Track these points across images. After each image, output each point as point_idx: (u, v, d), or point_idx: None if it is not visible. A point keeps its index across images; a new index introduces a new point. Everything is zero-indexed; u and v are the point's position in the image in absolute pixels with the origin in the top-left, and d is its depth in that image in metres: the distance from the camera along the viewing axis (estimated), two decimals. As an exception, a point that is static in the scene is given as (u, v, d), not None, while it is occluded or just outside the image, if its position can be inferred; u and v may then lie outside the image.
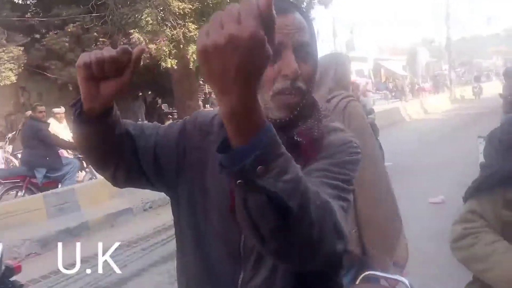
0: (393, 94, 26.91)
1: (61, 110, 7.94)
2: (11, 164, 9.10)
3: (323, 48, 35.85)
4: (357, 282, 1.83)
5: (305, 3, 14.77)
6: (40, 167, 6.36)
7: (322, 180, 0.86)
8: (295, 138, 0.93)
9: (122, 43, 11.57)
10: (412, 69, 40.92)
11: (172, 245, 3.82)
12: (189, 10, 11.15)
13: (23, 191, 6.34)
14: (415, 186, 6.54)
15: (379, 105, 24.06)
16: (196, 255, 1.05)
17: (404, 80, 32.50)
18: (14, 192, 6.46)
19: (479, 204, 1.51)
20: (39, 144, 6.39)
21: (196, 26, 11.47)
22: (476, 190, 1.54)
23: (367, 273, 1.82)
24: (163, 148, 1.05)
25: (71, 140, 7.68)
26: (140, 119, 15.72)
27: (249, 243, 0.96)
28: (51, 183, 6.50)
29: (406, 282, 1.65)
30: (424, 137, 12.18)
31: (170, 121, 16.42)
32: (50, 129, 7.28)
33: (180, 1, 11.02)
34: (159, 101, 18.47)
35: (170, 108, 18.17)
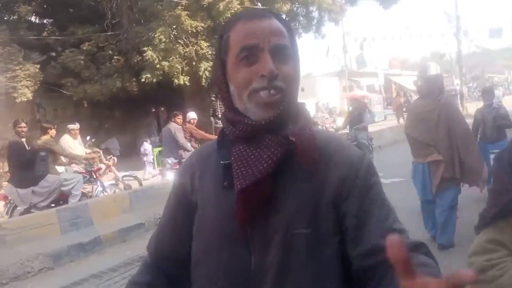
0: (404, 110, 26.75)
1: (75, 126, 8.07)
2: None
3: (334, 64, 35.99)
4: None
5: (315, 20, 14.91)
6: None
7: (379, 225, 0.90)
8: (290, 138, 0.91)
9: (136, 60, 11.80)
10: (423, 84, 40.68)
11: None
12: (201, 28, 11.33)
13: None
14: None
15: (391, 120, 24.00)
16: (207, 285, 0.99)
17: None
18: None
19: (499, 233, 1.39)
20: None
21: (208, 44, 11.64)
22: (494, 218, 1.42)
23: None
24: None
25: (85, 155, 7.84)
26: (152, 135, 15.87)
27: (263, 265, 0.92)
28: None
29: None
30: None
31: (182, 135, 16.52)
32: (64, 144, 7.43)
33: (192, 20, 11.22)
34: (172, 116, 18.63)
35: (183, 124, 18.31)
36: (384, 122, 23.94)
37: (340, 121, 22.97)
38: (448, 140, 4.21)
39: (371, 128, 11.78)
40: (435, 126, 4.25)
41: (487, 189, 1.66)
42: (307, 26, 14.98)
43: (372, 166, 0.99)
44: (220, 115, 16.49)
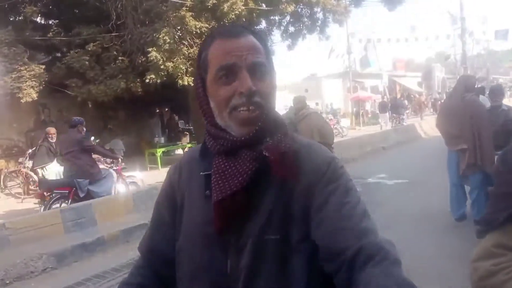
0: (407, 112, 26.71)
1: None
2: (31, 179, 9.28)
3: (338, 66, 35.92)
4: None
5: (319, 21, 14.89)
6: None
7: (345, 224, 0.90)
8: (264, 153, 0.95)
9: (140, 61, 11.83)
10: (427, 85, 40.60)
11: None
12: (206, 29, 11.33)
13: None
14: (433, 202, 6.48)
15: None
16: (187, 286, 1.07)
17: (420, 96, 32.33)
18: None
19: (506, 236, 1.37)
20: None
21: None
22: (504, 222, 1.38)
23: None
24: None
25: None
26: (156, 135, 15.91)
27: (236, 267, 0.97)
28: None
29: None
30: (441, 153, 12.02)
31: (187, 137, 16.60)
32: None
33: (197, 21, 11.23)
34: (176, 118, 18.67)
35: (187, 125, 18.36)
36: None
37: (344, 122, 22.98)
38: (470, 132, 4.92)
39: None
40: (460, 120, 4.99)
41: (489, 192, 1.63)
42: (311, 27, 14.95)
43: (338, 170, 1.01)
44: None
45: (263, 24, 14.55)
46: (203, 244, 1.01)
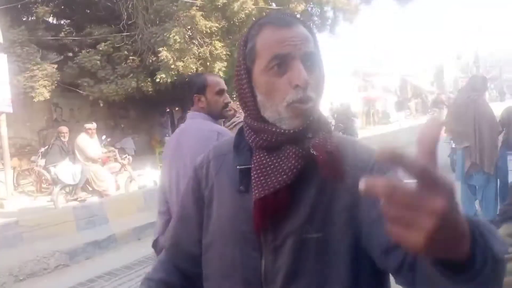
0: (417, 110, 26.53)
1: (92, 125, 8.17)
2: (43, 178, 9.39)
3: (347, 64, 35.80)
4: None
5: (330, 20, 14.85)
6: None
7: None
8: (311, 151, 0.92)
9: (151, 60, 11.91)
10: (439, 85, 40.27)
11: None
12: (216, 29, 11.39)
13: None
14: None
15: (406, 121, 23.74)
16: (217, 284, 1.03)
17: (431, 96, 32.07)
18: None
19: None
20: None
21: (222, 44, 11.68)
22: None
23: None
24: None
25: (101, 154, 8.01)
26: (167, 134, 15.98)
27: (272, 267, 0.94)
28: None
29: None
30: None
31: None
32: (81, 143, 7.56)
33: (207, 20, 11.28)
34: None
35: (197, 124, 18.45)
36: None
37: (357, 122, 22.78)
38: (473, 131, 4.95)
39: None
40: (465, 119, 5.06)
41: (510, 185, 1.65)
42: (322, 26, 14.93)
43: (383, 165, 0.94)
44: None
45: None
46: (235, 242, 0.98)
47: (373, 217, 0.85)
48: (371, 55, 32.13)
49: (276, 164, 0.92)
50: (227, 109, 5.15)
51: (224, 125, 5.28)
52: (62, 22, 14.55)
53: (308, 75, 0.90)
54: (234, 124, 5.50)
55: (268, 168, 0.93)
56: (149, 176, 8.66)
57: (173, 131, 17.44)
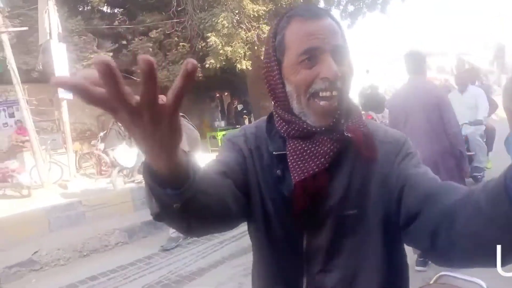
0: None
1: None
2: (103, 161, 9.92)
3: (401, 45, 34.39)
4: (431, 282, 1.79)
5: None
6: None
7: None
8: (345, 134, 0.95)
9: (200, 46, 12.10)
10: (500, 65, 37.84)
11: (244, 241, 4.07)
12: (263, 12, 11.33)
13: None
14: None
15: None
16: (264, 263, 1.09)
17: (491, 76, 30.26)
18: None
19: None
20: None
21: (269, 27, 11.61)
22: None
23: (442, 274, 1.79)
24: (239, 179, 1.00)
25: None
26: (217, 119, 16.27)
27: (313, 245, 0.99)
28: None
29: (484, 285, 1.55)
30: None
31: (246, 121, 16.83)
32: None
33: (254, 4, 11.24)
34: (235, 101, 18.96)
35: (245, 110, 18.61)
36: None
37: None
38: None
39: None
40: None
41: None
42: (372, 5, 14.44)
43: (411, 143, 1.03)
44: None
45: (321, 4, 14.26)
46: (279, 223, 1.02)
47: (409, 177, 0.92)
48: (425, 35, 30.63)
49: (312, 149, 0.95)
50: None
51: None
52: (115, 10, 15.01)
53: (338, 68, 0.91)
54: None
55: (304, 153, 0.95)
56: (201, 159, 8.89)
57: (222, 115, 17.79)
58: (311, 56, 0.92)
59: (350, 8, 14.75)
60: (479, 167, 5.37)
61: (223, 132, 14.11)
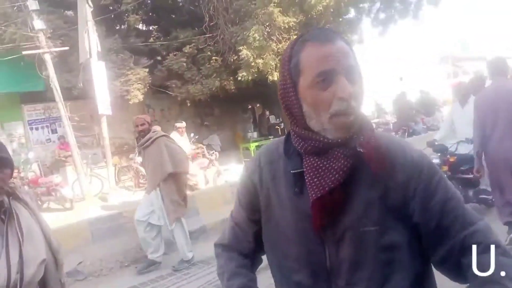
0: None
1: (182, 124, 8.73)
2: (140, 174, 10.21)
3: (435, 50, 33.66)
4: None
5: (412, 5, 14.15)
6: None
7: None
8: (358, 149, 1.00)
9: (232, 60, 12.32)
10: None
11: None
12: (294, 24, 11.42)
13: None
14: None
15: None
16: (286, 282, 1.14)
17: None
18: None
19: None
20: None
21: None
22: None
23: None
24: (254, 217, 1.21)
25: (191, 151, 8.49)
26: (249, 130, 16.41)
27: (336, 258, 1.03)
28: None
29: None
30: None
31: (279, 131, 16.90)
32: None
33: (284, 16, 11.36)
34: (267, 112, 19.08)
35: (277, 119, 18.69)
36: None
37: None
38: None
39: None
40: None
41: None
42: (404, 12, 14.29)
43: (433, 165, 1.07)
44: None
45: (352, 13, 14.25)
46: (299, 240, 1.06)
47: (436, 215, 1.00)
48: (459, 39, 29.92)
49: (327, 165, 1.00)
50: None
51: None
52: (150, 28, 15.52)
53: (351, 87, 0.98)
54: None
55: (320, 170, 1.00)
56: (235, 170, 9.03)
57: (255, 127, 17.94)
58: (325, 78, 0.97)
59: (381, 15, 14.67)
60: (487, 190, 5.00)
61: (256, 143, 14.24)
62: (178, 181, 5.12)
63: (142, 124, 5.10)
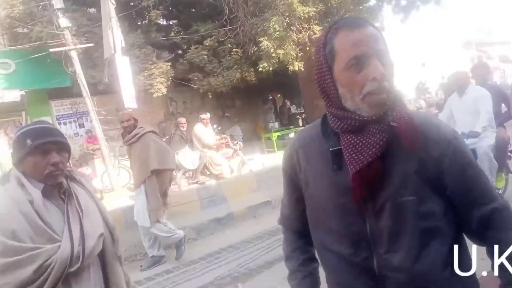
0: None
1: (206, 115, 8.92)
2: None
3: (458, 35, 32.87)
4: None
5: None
6: None
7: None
8: (392, 123, 1.07)
9: (252, 51, 12.42)
10: None
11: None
12: (314, 13, 11.41)
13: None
14: None
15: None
16: (328, 254, 1.23)
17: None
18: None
19: None
20: None
21: (320, 28, 11.71)
22: None
23: None
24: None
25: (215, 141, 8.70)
26: (271, 120, 16.51)
27: (376, 228, 1.11)
28: None
29: None
30: None
31: (300, 121, 16.93)
32: (197, 132, 8.29)
33: (304, 6, 11.36)
34: (288, 103, 19.13)
35: (298, 109, 18.73)
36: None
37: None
38: None
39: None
40: None
41: None
42: (425, -2, 14.13)
43: (465, 144, 1.17)
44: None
45: (372, 1, 14.14)
46: (340, 214, 1.15)
47: (461, 202, 1.13)
48: (484, 23, 29.18)
49: (364, 141, 1.07)
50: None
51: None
52: (171, 22, 15.68)
53: (382, 68, 1.06)
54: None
55: (357, 146, 1.07)
56: (258, 160, 9.18)
57: (276, 117, 18.05)
58: (358, 61, 1.05)
59: (403, 2, 14.50)
60: None
61: (278, 133, 14.34)
62: (163, 178, 5.04)
63: (128, 120, 4.98)
